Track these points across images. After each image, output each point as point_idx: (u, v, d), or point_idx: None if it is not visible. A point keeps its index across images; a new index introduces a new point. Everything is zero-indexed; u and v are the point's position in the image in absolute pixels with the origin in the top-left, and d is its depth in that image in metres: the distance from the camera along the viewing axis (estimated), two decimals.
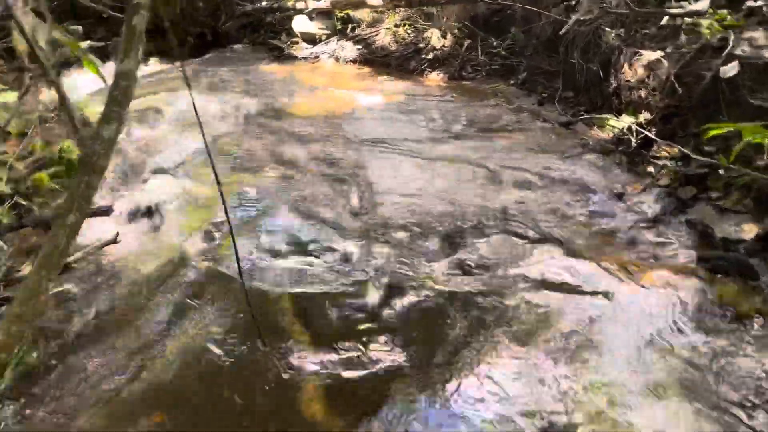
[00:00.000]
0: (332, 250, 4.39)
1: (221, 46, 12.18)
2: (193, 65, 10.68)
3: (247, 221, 4.93)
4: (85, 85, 8.20)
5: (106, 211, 5.01)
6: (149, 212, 5.16)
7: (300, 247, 4.46)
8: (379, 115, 7.56)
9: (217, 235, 4.73)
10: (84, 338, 3.77)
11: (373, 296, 3.94)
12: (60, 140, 6.00)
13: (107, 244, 4.44)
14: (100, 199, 5.34)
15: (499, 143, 6.57)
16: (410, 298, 3.90)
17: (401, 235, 4.65)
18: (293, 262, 4.28)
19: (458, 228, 4.70)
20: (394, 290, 3.96)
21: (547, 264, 4.13)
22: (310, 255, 4.33)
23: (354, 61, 9.82)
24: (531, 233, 4.56)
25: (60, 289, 4.27)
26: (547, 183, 5.53)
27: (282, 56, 10.34)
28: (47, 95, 7.06)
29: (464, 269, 4.10)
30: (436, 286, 3.98)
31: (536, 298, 3.82)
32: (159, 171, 5.98)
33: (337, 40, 10.24)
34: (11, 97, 5.08)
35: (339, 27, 10.40)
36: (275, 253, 4.40)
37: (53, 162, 5.65)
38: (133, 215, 5.08)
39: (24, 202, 5.10)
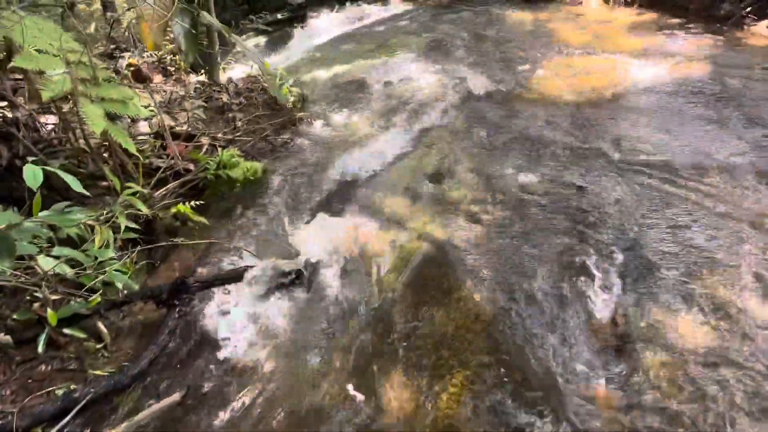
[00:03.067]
0: None
1: None
2: (424, 13, 8.59)
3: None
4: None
5: (239, 276, 3.40)
6: (294, 282, 3.40)
7: None
8: (663, 103, 4.69)
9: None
10: None
11: None
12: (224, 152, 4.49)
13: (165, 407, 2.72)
14: (237, 253, 3.74)
15: None
16: None
17: None
18: None
19: None
20: None
21: None
22: None
23: (632, 2, 6.72)
24: None
25: None
26: None
27: None
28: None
29: None
30: None
31: None
32: (327, 205, 4.11)
33: None
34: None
35: None
36: None
37: (211, 183, 4.19)
38: (270, 292, 3.36)
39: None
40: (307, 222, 3.87)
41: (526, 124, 4.70)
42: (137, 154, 3.32)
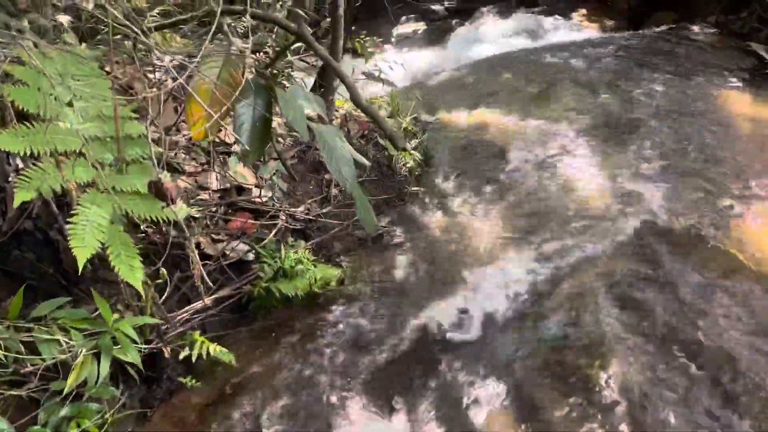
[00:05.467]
0: None
1: (671, 15, 7.77)
2: (610, 51, 6.75)
3: None
4: None
5: None
6: None
7: None
8: None
9: None
10: None
11: None
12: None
13: None
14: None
15: None
16: None
17: None
18: None
19: None
20: None
21: None
22: None
23: None
24: None
25: None
26: None
27: (762, 76, 5.57)
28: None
29: None
30: None
31: None
32: (388, 386, 2.80)
33: None
34: None
35: None
36: None
37: (259, 296, 3.04)
38: None
39: None
40: (348, 409, 2.62)
41: (719, 310, 3.06)
42: (141, 291, 2.20)
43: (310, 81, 4.60)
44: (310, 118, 2.55)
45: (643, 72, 5.97)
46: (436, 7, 10.16)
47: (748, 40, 6.05)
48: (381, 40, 10.16)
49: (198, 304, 2.73)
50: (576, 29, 8.77)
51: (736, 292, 3.14)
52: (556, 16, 9.26)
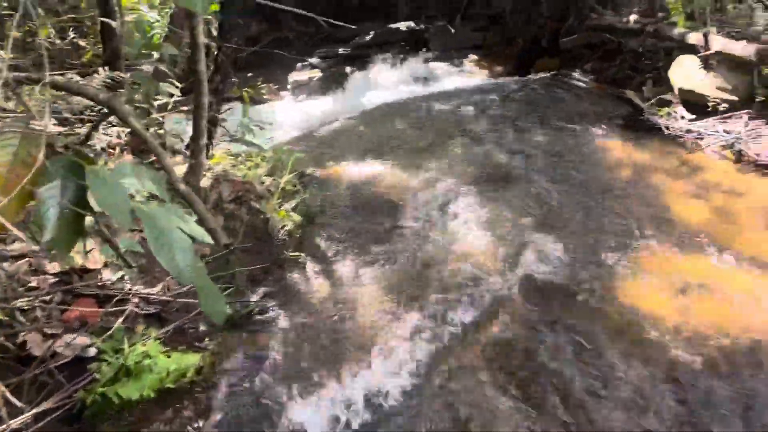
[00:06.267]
0: None
1: (554, 62, 8.08)
2: (498, 98, 6.85)
3: None
4: None
5: None
6: None
7: None
8: None
9: None
10: None
11: None
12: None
13: None
14: None
15: None
16: None
17: None
18: None
19: None
20: None
21: None
22: None
23: None
24: None
25: None
26: None
27: (636, 123, 5.79)
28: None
29: None
30: None
31: None
32: None
33: (749, 119, 5.25)
34: None
35: (759, 94, 5.32)
36: None
37: (95, 403, 2.56)
38: None
39: None
40: None
41: (596, 383, 2.91)
42: None
43: None
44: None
45: (528, 119, 6.07)
46: (314, 60, 10.11)
47: (622, 87, 6.32)
48: (277, 86, 9.92)
49: (8, 424, 2.22)
50: (467, 75, 8.94)
51: (615, 363, 3.02)
52: (448, 63, 9.44)
